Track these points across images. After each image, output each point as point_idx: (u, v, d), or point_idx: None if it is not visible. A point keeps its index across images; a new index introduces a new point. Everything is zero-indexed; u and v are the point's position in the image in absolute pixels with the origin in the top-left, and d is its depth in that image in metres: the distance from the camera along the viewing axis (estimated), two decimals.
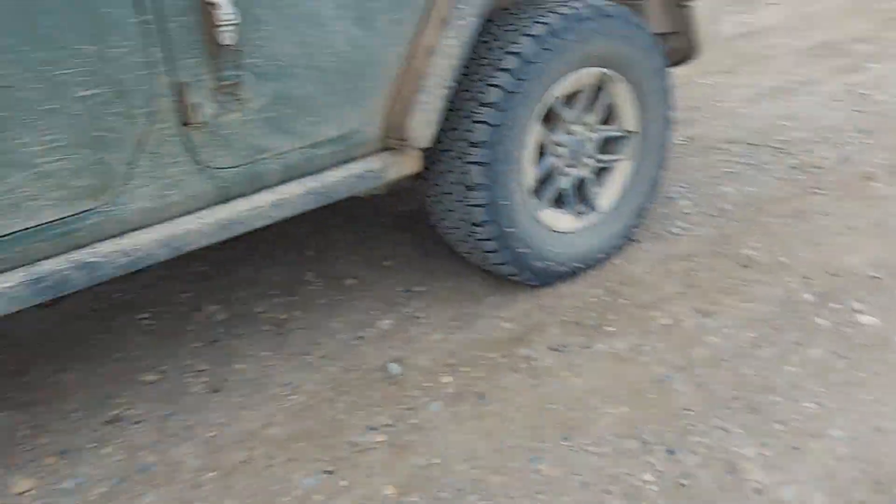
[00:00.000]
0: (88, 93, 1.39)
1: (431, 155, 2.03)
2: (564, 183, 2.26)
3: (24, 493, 1.69)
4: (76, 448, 1.81)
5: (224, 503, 1.64)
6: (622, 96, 2.28)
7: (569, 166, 2.25)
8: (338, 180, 1.85)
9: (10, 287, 1.42)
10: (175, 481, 1.70)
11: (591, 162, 2.30)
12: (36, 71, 1.32)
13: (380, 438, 1.81)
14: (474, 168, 1.98)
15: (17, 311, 1.46)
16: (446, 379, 1.98)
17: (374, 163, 1.91)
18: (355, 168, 1.88)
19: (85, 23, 1.35)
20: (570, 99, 2.18)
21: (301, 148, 1.76)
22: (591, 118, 2.26)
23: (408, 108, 1.86)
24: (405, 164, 1.98)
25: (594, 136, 2.28)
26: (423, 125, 1.88)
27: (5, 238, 1.38)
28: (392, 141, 1.92)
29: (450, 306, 2.29)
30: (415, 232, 2.70)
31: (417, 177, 2.11)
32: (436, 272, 2.47)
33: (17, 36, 1.28)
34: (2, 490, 1.70)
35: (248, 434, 1.84)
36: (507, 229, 2.09)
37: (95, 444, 1.82)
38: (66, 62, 1.35)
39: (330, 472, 1.71)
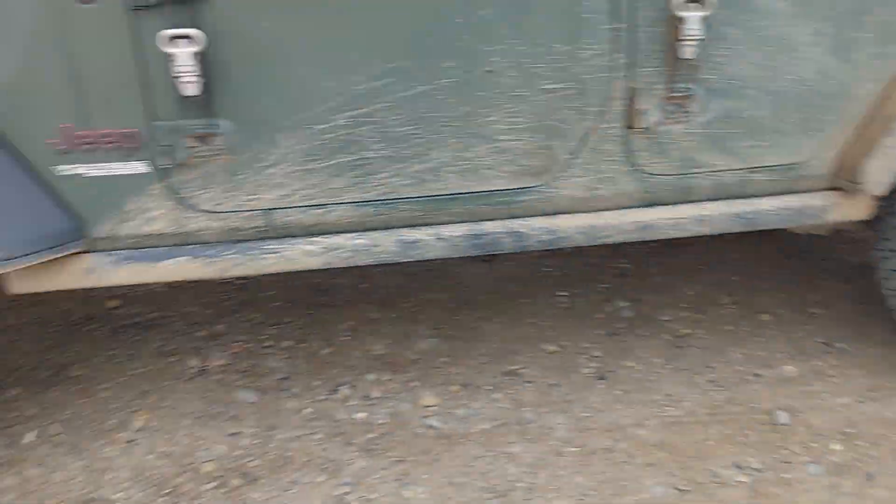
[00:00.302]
0: (553, 86, 1.60)
1: (887, 205, 1.83)
2: None
3: (428, 406, 2.03)
4: (475, 386, 2.10)
5: (575, 478, 1.76)
6: None
7: None
8: (771, 210, 1.79)
9: (455, 236, 1.72)
10: (542, 443, 1.88)
11: None
12: (516, 62, 1.56)
13: (742, 479, 1.74)
14: None
15: (459, 258, 1.76)
16: (837, 446, 1.80)
17: (815, 200, 1.80)
18: (793, 201, 1.80)
19: (564, 25, 1.55)
20: None
21: (738, 170, 1.75)
22: None
23: (868, 149, 1.70)
24: (852, 209, 1.82)
25: None
26: (882, 171, 1.71)
27: (460, 196, 1.68)
28: (841, 181, 1.78)
29: (869, 374, 2.05)
30: (855, 285, 2.45)
31: (867, 225, 1.92)
32: (865, 334, 2.22)
33: (508, 29, 1.53)
34: (414, 400, 2.06)
35: (618, 427, 1.92)
36: None
37: (491, 388, 2.09)
38: (542, 57, 1.57)
39: (680, 491, 1.71)
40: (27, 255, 1.50)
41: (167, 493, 1.71)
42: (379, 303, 2.52)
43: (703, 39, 1.57)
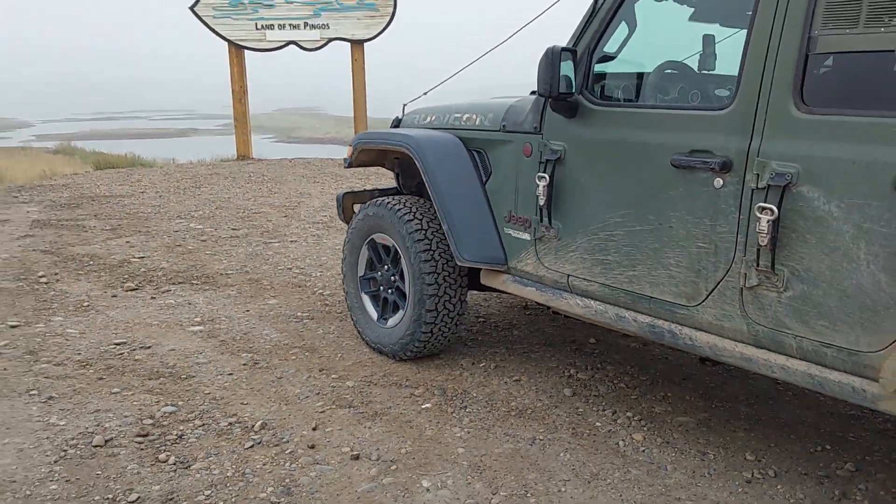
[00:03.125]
0: (701, 244, 2.56)
1: None
2: None
3: None
4: None
5: None
6: None
7: None
8: (835, 381, 2.24)
9: (644, 323, 2.83)
10: None
11: None
12: (684, 225, 2.62)
13: None
14: None
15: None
16: None
17: (872, 387, 2.15)
18: (853, 381, 2.19)
19: (710, 210, 2.54)
20: None
21: (812, 340, 2.29)
22: None
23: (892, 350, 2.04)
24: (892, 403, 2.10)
25: None
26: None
27: (648, 297, 2.79)
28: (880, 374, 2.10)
29: None
30: None
31: None
32: None
33: (683, 205, 2.63)
34: None
35: None
36: None
37: None
38: (698, 225, 2.58)
39: None
40: (487, 262, 3.44)
41: None
42: None
43: (774, 235, 2.32)
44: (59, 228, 7.03)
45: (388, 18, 12.53)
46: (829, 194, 2.21)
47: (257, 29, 12.38)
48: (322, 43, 12.58)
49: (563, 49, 2.88)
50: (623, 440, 3.00)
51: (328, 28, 12.46)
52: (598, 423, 3.14)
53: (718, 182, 2.48)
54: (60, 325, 4.32)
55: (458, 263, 3.43)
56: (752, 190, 2.39)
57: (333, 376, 3.62)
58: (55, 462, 2.79)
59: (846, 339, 2.22)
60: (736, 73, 2.49)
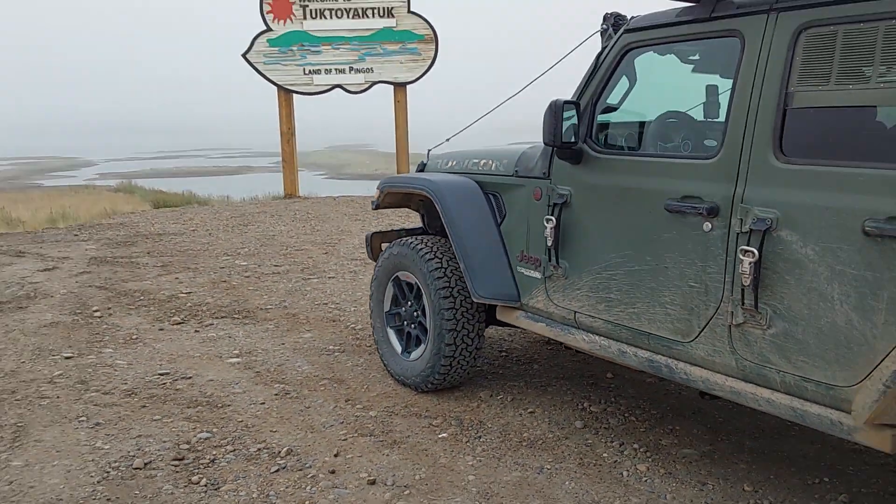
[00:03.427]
0: (693, 284, 2.72)
1: None
2: None
3: None
4: None
5: None
6: None
7: None
8: (815, 414, 2.36)
9: (643, 357, 2.98)
10: None
11: None
12: (679, 266, 2.76)
13: None
14: None
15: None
16: None
17: (848, 420, 2.27)
18: (832, 414, 2.32)
19: (701, 252, 2.70)
20: None
21: (793, 374, 2.42)
22: None
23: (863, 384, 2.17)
24: (876, 439, 2.20)
25: None
26: (867, 403, 2.15)
27: (647, 333, 2.95)
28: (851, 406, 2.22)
29: None
30: None
31: None
32: None
33: (677, 247, 2.80)
34: None
35: None
36: None
37: None
38: (690, 266, 2.74)
39: None
40: (501, 299, 3.63)
41: None
42: None
43: (764, 282, 2.47)
44: (115, 265, 7.45)
45: (429, 62, 12.94)
46: (805, 238, 2.37)
47: (305, 74, 12.90)
48: (366, 86, 13.03)
49: (566, 102, 3.10)
50: (627, 470, 3.13)
51: (372, 72, 12.92)
52: (605, 454, 3.28)
53: (707, 226, 2.65)
54: (110, 356, 4.64)
55: (474, 300, 3.64)
56: (737, 234, 2.55)
57: (358, 406, 3.84)
58: (98, 482, 3.05)
59: (824, 374, 2.35)
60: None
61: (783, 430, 3.49)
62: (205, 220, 10.68)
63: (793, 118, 2.48)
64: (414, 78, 13.00)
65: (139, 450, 3.34)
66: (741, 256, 2.50)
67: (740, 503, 2.86)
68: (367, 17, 12.78)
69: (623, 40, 3.08)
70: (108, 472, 3.13)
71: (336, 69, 12.89)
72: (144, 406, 3.85)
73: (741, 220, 2.53)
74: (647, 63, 3.15)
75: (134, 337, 5.05)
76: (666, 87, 3.57)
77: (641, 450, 3.31)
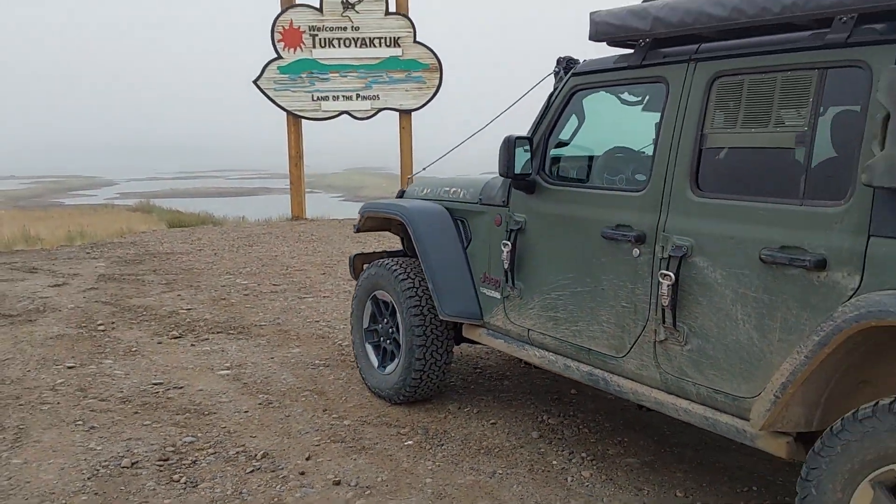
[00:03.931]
0: (624, 304, 3.00)
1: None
2: None
3: None
4: None
5: None
6: None
7: None
8: (724, 423, 2.62)
9: (584, 371, 3.25)
10: None
11: None
12: (613, 287, 3.04)
13: None
14: None
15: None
16: None
17: (745, 426, 2.54)
18: (738, 423, 2.58)
19: (631, 275, 2.98)
20: None
21: (706, 386, 2.69)
22: None
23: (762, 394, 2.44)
24: (773, 445, 2.47)
25: None
26: (762, 412, 2.41)
27: (588, 349, 3.22)
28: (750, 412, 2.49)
29: None
30: None
31: None
32: None
33: (612, 270, 3.07)
34: None
35: None
36: None
37: None
38: (623, 287, 3.01)
39: None
40: (466, 317, 3.93)
41: None
42: None
43: (674, 298, 2.75)
44: (121, 282, 7.81)
45: (434, 90, 13.33)
46: (714, 264, 2.65)
47: (313, 100, 13.32)
48: (373, 112, 13.43)
49: (518, 137, 3.41)
50: (572, 476, 3.39)
51: (378, 99, 13.32)
52: (554, 462, 3.54)
53: (636, 252, 2.94)
54: (109, 366, 4.97)
55: (441, 318, 3.93)
56: (660, 259, 2.84)
57: (334, 416, 4.13)
58: (88, 479, 3.35)
59: (731, 387, 2.62)
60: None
61: (724, 443, 3.74)
62: (212, 240, 11.05)
63: (707, 156, 2.77)
64: (418, 105, 13.38)
65: (128, 451, 3.64)
66: (661, 280, 2.79)
67: None
68: (375, 46, 13.21)
69: (571, 83, 3.40)
70: (98, 471, 3.43)
71: (343, 96, 13.30)
72: (137, 412, 4.16)
73: (662, 247, 2.82)
74: (594, 103, 3.46)
75: (133, 349, 5.37)
76: (611, 124, 3.87)
77: (588, 458, 3.57)
